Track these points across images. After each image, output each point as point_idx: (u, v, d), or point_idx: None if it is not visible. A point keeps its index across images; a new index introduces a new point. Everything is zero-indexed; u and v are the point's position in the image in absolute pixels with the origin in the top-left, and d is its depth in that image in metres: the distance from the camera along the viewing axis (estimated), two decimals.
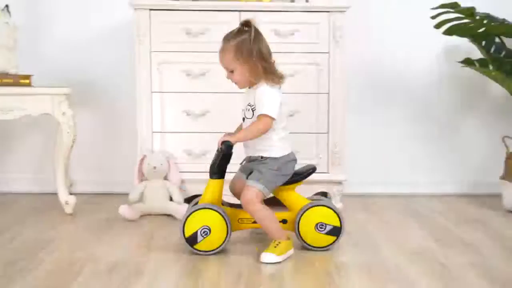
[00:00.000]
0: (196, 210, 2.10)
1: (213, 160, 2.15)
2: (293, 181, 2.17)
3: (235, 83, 2.15)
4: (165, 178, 2.74)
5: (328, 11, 2.73)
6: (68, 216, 2.67)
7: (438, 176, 3.27)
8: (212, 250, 2.11)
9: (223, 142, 2.08)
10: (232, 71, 2.11)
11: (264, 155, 2.11)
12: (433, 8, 2.78)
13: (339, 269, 1.96)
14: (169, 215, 2.67)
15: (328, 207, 2.16)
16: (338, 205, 2.82)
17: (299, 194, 2.22)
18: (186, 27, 2.72)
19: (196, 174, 2.78)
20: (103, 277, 1.87)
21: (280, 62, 2.69)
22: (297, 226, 2.15)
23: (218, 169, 2.13)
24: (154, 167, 2.69)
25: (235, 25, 2.68)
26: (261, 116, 2.05)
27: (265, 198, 2.11)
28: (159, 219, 2.62)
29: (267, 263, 2.00)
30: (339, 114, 2.79)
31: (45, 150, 3.19)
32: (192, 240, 2.09)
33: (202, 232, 2.09)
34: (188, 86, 2.76)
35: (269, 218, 2.09)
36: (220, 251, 2.11)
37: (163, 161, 2.72)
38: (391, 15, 3.16)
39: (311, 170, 2.20)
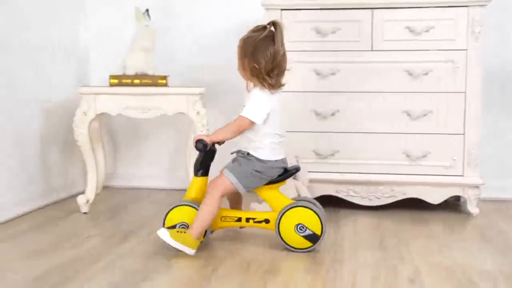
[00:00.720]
0: (176, 206, 2.14)
1: (196, 158, 2.17)
2: (276, 180, 2.15)
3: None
4: (294, 177, 2.74)
5: (467, 6, 2.59)
6: None
7: None
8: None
9: (198, 141, 2.11)
10: None
11: (251, 153, 2.11)
12: None
13: (483, 279, 1.85)
14: None
15: (309, 208, 2.11)
16: (474, 210, 2.68)
17: (283, 194, 2.19)
18: (316, 26, 2.70)
19: (324, 174, 2.76)
20: (240, 273, 1.89)
21: (413, 61, 2.65)
22: (277, 225, 2.12)
23: (201, 166, 2.16)
24: None
25: (367, 23, 2.66)
26: (239, 116, 2.07)
27: (232, 192, 2.14)
28: None
29: (159, 235, 2.02)
30: (475, 114, 2.65)
31: (177, 148, 3.32)
32: None
33: (180, 228, 2.12)
34: (318, 85, 2.74)
35: (209, 213, 2.05)
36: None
37: (293, 161, 2.71)
38: None
39: (294, 170, 2.17)
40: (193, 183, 2.20)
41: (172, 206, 2.17)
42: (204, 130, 2.69)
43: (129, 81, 2.73)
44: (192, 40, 3.23)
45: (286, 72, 2.69)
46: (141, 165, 3.39)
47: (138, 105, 2.66)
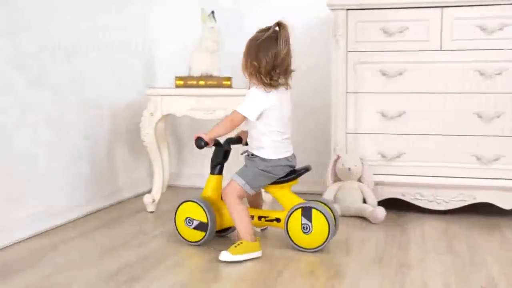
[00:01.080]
0: (184, 202, 2.23)
1: (212, 157, 2.27)
2: (286, 180, 2.17)
3: None
4: (359, 179, 2.70)
5: None
6: None
7: None
8: (195, 242, 2.20)
9: (197, 139, 2.18)
10: None
11: (255, 153, 2.15)
12: None
13: None
14: (362, 217, 2.62)
15: (316, 209, 2.09)
16: None
17: (294, 193, 2.20)
18: (383, 26, 2.65)
19: (390, 176, 2.70)
20: (305, 277, 1.88)
21: (485, 60, 2.55)
22: (286, 225, 2.13)
23: (217, 165, 2.26)
24: (349, 168, 2.66)
25: (436, 22, 2.59)
26: (233, 111, 2.14)
27: (247, 194, 2.16)
28: (352, 221, 2.59)
29: (221, 261, 2.02)
30: None
31: (240, 149, 3.32)
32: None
33: (188, 223, 2.21)
34: (384, 86, 2.68)
35: (240, 216, 2.10)
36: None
37: (358, 163, 2.68)
38: None
39: (304, 170, 2.19)
40: (208, 181, 2.28)
41: (180, 202, 2.25)
42: None
43: (194, 82, 2.76)
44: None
45: (351, 73, 2.69)
46: (205, 165, 3.40)
47: (203, 106, 2.69)
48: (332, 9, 2.69)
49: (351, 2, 2.67)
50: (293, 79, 3.12)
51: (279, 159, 2.14)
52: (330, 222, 2.10)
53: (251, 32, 3.22)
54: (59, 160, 2.53)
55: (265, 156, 2.13)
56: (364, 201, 2.66)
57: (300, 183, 3.16)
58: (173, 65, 3.22)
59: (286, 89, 2.15)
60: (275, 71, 2.07)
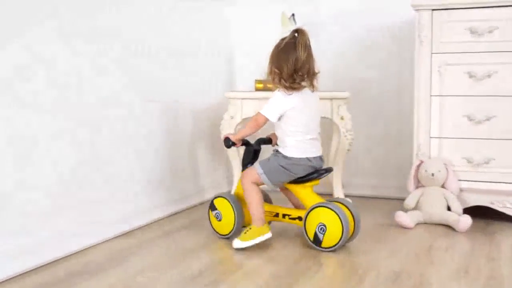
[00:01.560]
0: (214, 198, 2.39)
1: (243, 156, 2.39)
2: (307, 179, 2.23)
3: None
4: (442, 186, 2.61)
5: None
6: None
7: None
8: (225, 235, 2.33)
9: (225, 139, 2.33)
10: None
11: (280, 150, 2.26)
12: None
13: None
14: (446, 225, 2.53)
15: (329, 208, 2.13)
16: None
17: (315, 193, 2.27)
18: (470, 26, 2.54)
19: (477, 183, 2.59)
20: (387, 285, 1.82)
21: None
22: (304, 224, 2.19)
23: (247, 163, 2.35)
24: (432, 174, 2.57)
25: None
26: (257, 113, 2.26)
27: (263, 184, 2.25)
28: (436, 229, 2.50)
29: (235, 248, 2.18)
30: None
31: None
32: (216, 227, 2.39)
33: (217, 217, 2.36)
34: (471, 89, 2.57)
35: (254, 201, 2.21)
36: None
37: (441, 168, 2.59)
38: None
39: (324, 171, 2.26)
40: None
41: (213, 197, 2.42)
42: (347, 135, 2.65)
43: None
44: (337, 43, 3.20)
45: (436, 75, 2.60)
46: None
47: None
48: (417, 10, 2.61)
49: (436, 2, 2.58)
50: (377, 82, 3.11)
51: (300, 158, 2.21)
52: (344, 223, 2.12)
53: (332, 35, 3.23)
54: (142, 161, 2.60)
55: (287, 153, 2.22)
56: (448, 208, 2.56)
57: (383, 188, 3.14)
58: (253, 68, 3.24)
59: (312, 91, 2.24)
60: (297, 74, 2.17)
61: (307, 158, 2.22)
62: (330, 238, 2.16)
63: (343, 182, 2.88)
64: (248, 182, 2.25)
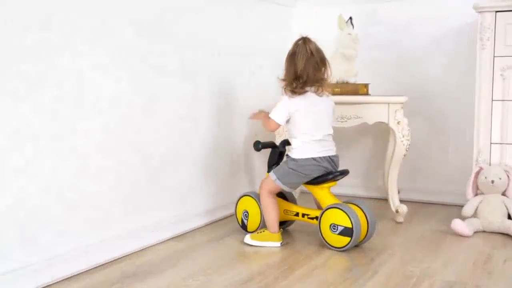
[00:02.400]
0: (240, 197, 2.53)
1: (269, 158, 2.50)
2: (323, 180, 2.33)
3: None
4: (503, 193, 2.52)
5: None
6: (398, 225, 2.66)
7: None
8: (254, 232, 2.41)
9: (254, 143, 2.47)
10: None
11: (288, 153, 2.38)
12: None
13: None
14: (506, 235, 2.45)
15: (340, 209, 2.22)
16: None
17: (331, 195, 2.36)
18: None
19: None
20: None
21: None
22: (319, 225, 2.28)
23: (271, 165, 2.47)
24: (492, 181, 2.49)
25: None
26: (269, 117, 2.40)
27: (280, 190, 2.38)
28: (495, 238, 2.42)
29: (244, 242, 2.35)
30: None
31: (374, 157, 3.26)
32: (243, 225, 2.51)
33: (244, 216, 2.49)
34: None
35: (268, 207, 2.35)
36: None
37: (502, 175, 2.50)
38: None
39: (339, 173, 2.33)
40: None
41: (239, 196, 2.55)
42: (405, 140, 2.60)
43: (330, 89, 2.73)
44: (396, 47, 3.15)
45: (498, 80, 2.52)
46: None
47: (338, 114, 2.66)
48: (479, 12, 2.53)
49: (501, 3, 2.49)
50: (436, 86, 3.03)
51: (306, 159, 2.31)
52: (354, 225, 2.18)
53: (389, 40, 3.16)
54: (196, 165, 2.63)
55: (294, 156, 2.34)
56: (509, 217, 2.48)
57: (441, 194, 3.06)
58: None
59: (320, 96, 2.33)
60: (297, 81, 2.29)
61: (313, 158, 2.30)
62: (341, 238, 2.23)
63: (399, 188, 2.83)
64: (265, 191, 2.37)
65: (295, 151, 2.34)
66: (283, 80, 2.35)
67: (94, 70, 2.06)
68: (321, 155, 2.31)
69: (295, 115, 2.32)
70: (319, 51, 2.32)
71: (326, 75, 2.33)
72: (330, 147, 2.35)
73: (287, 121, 2.35)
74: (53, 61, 1.90)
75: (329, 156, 2.33)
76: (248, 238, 2.36)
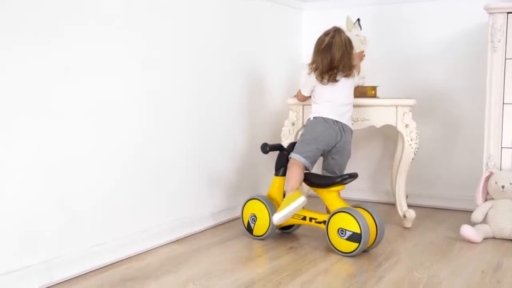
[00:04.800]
0: (248, 200, 2.48)
1: (276, 160, 2.49)
2: (332, 183, 2.32)
3: None
4: None
5: None
6: (406, 230, 2.61)
7: None
8: (261, 236, 2.42)
9: (262, 145, 2.49)
10: None
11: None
12: None
13: None
14: None
15: (349, 213, 2.17)
16: None
17: (340, 198, 2.34)
18: None
19: None
20: None
21: None
22: (326, 228, 2.25)
23: (279, 167, 2.47)
24: (502, 186, 2.43)
25: None
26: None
27: (302, 165, 2.38)
28: (505, 245, 2.36)
29: (275, 223, 2.30)
30: None
31: (381, 160, 3.21)
32: (249, 229, 2.46)
33: (251, 219, 2.44)
34: None
35: (291, 175, 2.38)
36: None
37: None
38: None
39: (348, 176, 2.31)
40: (273, 182, 2.49)
41: (246, 200, 2.50)
42: (413, 143, 2.55)
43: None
44: (405, 49, 3.10)
45: (510, 82, 2.46)
46: None
47: None
48: (490, 13, 2.48)
49: None
50: (446, 88, 2.98)
51: (317, 117, 2.44)
52: (363, 229, 2.14)
53: (399, 41, 3.13)
54: (199, 169, 2.59)
55: (310, 117, 2.50)
56: None
57: (451, 199, 3.01)
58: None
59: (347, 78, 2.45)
60: (333, 71, 2.42)
61: (323, 118, 2.40)
62: (349, 243, 2.18)
63: (407, 192, 2.77)
64: (290, 165, 2.41)
65: (312, 114, 2.46)
66: (315, 69, 2.43)
67: (97, 75, 2.04)
68: (331, 117, 2.40)
69: (316, 88, 2.47)
70: (351, 41, 2.44)
71: (356, 61, 2.48)
72: (342, 115, 2.42)
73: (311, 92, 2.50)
74: (53, 61, 1.88)
75: (340, 122, 2.41)
76: (276, 216, 2.29)
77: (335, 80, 2.41)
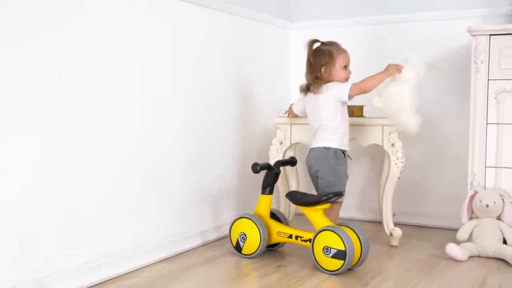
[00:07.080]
0: (237, 219, 2.48)
1: (263, 179, 2.49)
2: (317, 202, 2.32)
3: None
4: (498, 217, 2.50)
5: None
6: (392, 249, 2.63)
7: None
8: (251, 254, 2.42)
9: (252, 165, 2.47)
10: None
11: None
12: None
13: None
14: (501, 259, 2.42)
15: (333, 231, 2.19)
16: None
17: (325, 217, 2.33)
18: None
19: None
20: None
21: None
22: (312, 247, 2.26)
23: (266, 186, 2.48)
24: (487, 205, 2.47)
25: None
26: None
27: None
28: (490, 263, 2.39)
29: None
30: None
31: (369, 179, 3.24)
32: (238, 248, 2.46)
33: (241, 238, 2.43)
34: None
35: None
36: None
37: (497, 199, 2.48)
38: None
39: (333, 195, 2.32)
40: (260, 200, 2.49)
41: (234, 218, 2.50)
42: (398, 162, 2.58)
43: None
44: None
45: (492, 103, 2.51)
46: None
47: None
48: (473, 35, 2.53)
49: (495, 27, 2.50)
50: (431, 108, 3.01)
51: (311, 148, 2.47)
52: (348, 248, 2.16)
53: (385, 62, 3.16)
54: (186, 187, 2.58)
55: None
56: (504, 242, 2.45)
57: (436, 218, 3.03)
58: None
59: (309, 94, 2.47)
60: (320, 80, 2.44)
61: (314, 148, 2.45)
62: (334, 261, 2.20)
63: (394, 211, 2.79)
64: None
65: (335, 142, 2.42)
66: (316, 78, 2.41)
67: (95, 77, 2.06)
68: (313, 146, 2.44)
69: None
70: (317, 51, 2.45)
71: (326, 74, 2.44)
72: (317, 137, 2.44)
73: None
74: (53, 62, 1.90)
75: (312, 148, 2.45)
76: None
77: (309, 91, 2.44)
